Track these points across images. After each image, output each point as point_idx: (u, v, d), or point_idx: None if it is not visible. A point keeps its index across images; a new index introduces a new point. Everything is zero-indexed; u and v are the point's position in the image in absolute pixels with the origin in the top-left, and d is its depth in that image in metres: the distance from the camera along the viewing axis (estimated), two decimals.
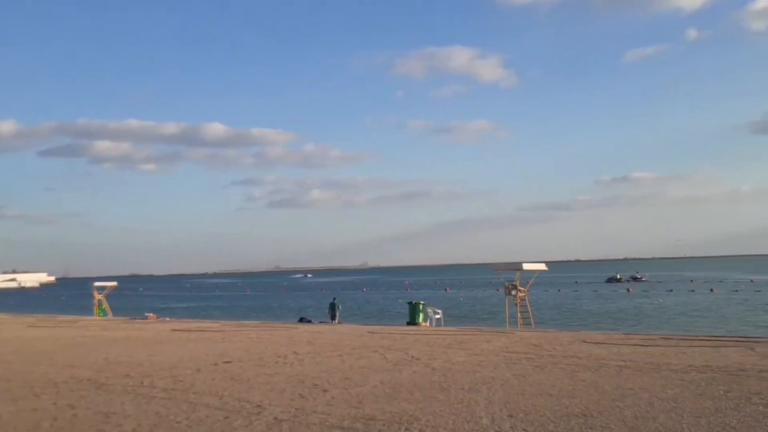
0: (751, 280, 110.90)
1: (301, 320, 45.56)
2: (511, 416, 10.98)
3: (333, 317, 44.02)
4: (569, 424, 10.31)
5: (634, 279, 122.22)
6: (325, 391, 13.82)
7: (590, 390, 13.37)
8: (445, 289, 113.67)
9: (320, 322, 43.56)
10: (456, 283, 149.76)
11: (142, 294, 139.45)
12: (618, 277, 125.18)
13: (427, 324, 38.63)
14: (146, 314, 51.29)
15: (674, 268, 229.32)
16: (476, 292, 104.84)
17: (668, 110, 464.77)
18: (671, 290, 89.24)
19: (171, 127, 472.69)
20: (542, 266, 38.68)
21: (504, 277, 39.98)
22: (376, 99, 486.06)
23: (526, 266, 36.87)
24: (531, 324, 35.66)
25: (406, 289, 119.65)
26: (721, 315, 52.60)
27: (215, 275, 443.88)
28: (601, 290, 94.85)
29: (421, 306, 40.23)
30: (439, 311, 41.73)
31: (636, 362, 17.31)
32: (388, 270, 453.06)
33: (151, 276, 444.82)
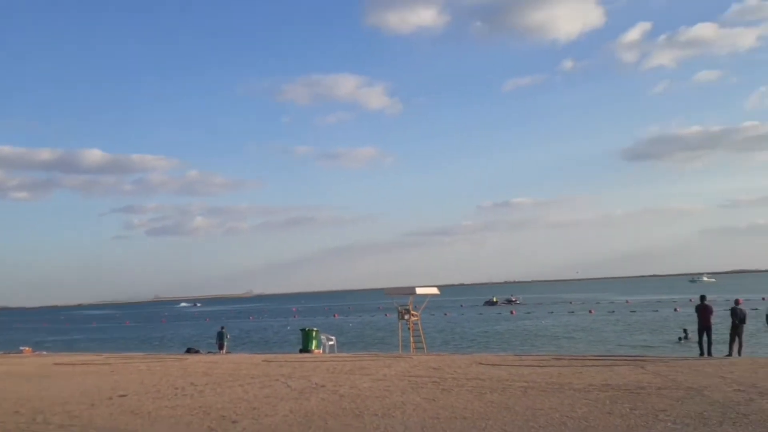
0: (627, 301, 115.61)
1: (189, 351, 44.21)
2: None
3: (221, 347, 42.92)
4: None
5: (509, 302, 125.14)
6: (234, 422, 13.42)
7: (502, 411, 13.53)
8: (334, 315, 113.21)
9: (208, 353, 42.50)
10: (344, 308, 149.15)
11: (15, 327, 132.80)
12: (494, 300, 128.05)
13: (320, 351, 38.29)
14: (21, 348, 48.75)
15: (554, 290, 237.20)
16: (365, 317, 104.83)
17: (546, 137, 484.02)
18: (552, 312, 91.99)
19: (45, 153, 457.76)
20: (434, 290, 39.06)
21: (397, 301, 40.18)
22: (262, 124, 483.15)
23: (419, 290, 37.13)
24: (423, 348, 35.92)
25: (294, 316, 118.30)
26: (600, 335, 54.50)
27: (91, 306, 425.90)
28: (486, 313, 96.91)
29: (314, 333, 39.85)
30: (333, 338, 41.38)
31: (538, 383, 17.68)
32: (274, 297, 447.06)
33: (23, 308, 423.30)
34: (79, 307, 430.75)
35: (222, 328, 45.43)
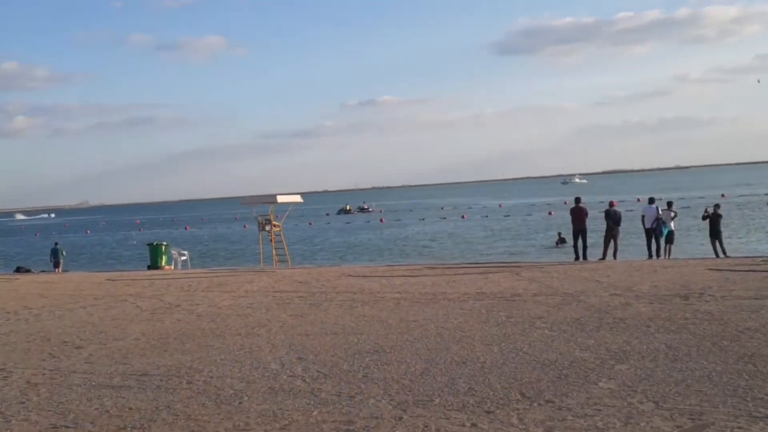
0: (500, 205, 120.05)
1: (19, 270, 42.75)
2: (300, 359, 11.14)
3: (56, 265, 41.76)
4: (364, 362, 10.68)
5: (362, 210, 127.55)
6: (78, 348, 13.17)
7: (375, 325, 13.95)
8: (185, 228, 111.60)
9: (42, 272, 41.19)
10: (196, 220, 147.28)
11: None
12: (347, 208, 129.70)
13: (171, 267, 37.94)
14: None
15: (424, 196, 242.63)
16: (220, 229, 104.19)
17: (412, 31, 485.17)
18: (423, 219, 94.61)
19: None
20: (297, 198, 39.29)
21: (256, 211, 40.10)
22: (89, 9, 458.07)
23: (280, 199, 37.22)
24: (288, 261, 36.24)
25: (139, 230, 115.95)
26: (473, 242, 56.69)
27: None
28: (353, 222, 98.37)
29: (163, 247, 39.32)
30: (185, 252, 41.11)
31: (411, 293, 18.32)
32: (114, 208, 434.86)
33: None
34: None
35: (56, 244, 44.05)
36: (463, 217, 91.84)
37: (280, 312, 16.42)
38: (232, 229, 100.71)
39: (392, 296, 17.89)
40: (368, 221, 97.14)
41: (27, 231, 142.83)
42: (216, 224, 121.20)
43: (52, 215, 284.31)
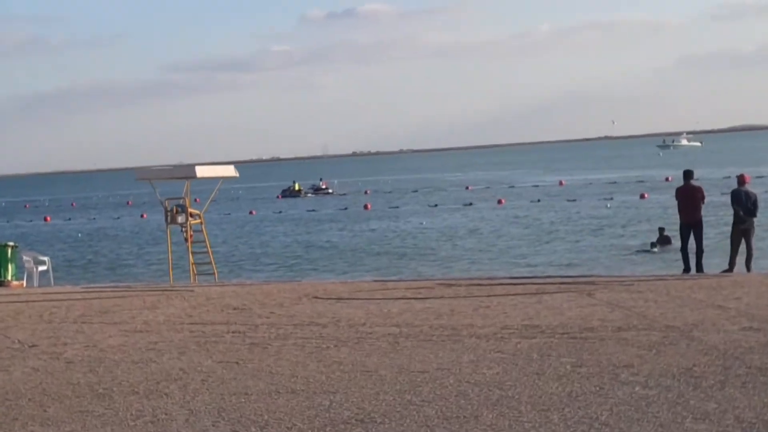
0: (560, 183, 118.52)
1: None
2: None
3: None
4: None
5: (317, 190, 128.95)
6: None
7: (358, 377, 13.87)
8: (44, 219, 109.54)
9: None
10: (62, 205, 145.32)
11: None
12: (296, 187, 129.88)
13: (23, 283, 37.80)
14: None
15: (436, 167, 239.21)
16: (102, 219, 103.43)
17: None
18: (436, 205, 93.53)
19: None
20: (229, 170, 39.08)
21: (161, 192, 39.88)
22: None
23: (201, 171, 36.97)
24: (213, 273, 36.10)
25: None
26: (517, 242, 55.79)
27: None
28: (321, 210, 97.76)
29: (8, 251, 39.05)
30: (45, 258, 40.86)
31: (416, 327, 18.18)
32: None
33: None
34: None
35: None
36: (500, 202, 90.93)
37: (202, 357, 16.30)
38: (121, 219, 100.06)
39: (385, 331, 17.73)
40: (344, 208, 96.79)
41: None
42: (96, 212, 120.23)
43: None
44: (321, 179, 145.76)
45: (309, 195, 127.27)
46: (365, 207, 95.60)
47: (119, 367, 15.80)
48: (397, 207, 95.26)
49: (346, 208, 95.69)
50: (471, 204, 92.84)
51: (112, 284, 37.53)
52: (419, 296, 23.07)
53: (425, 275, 36.62)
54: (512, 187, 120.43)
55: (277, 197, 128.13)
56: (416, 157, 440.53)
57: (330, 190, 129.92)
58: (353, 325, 18.84)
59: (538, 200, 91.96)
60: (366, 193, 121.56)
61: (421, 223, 74.08)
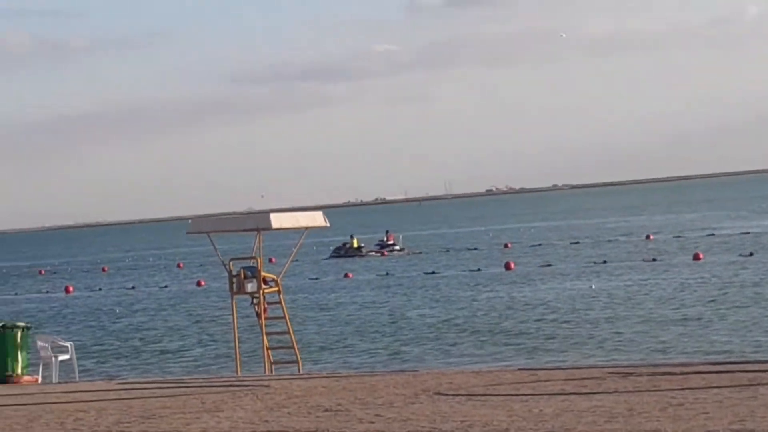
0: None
1: None
2: None
3: None
4: None
5: (383, 247, 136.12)
6: None
7: None
8: (66, 289, 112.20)
9: None
10: (90, 266, 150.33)
11: None
12: (354, 244, 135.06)
13: (36, 378, 37.63)
14: None
15: (587, 211, 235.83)
16: (142, 287, 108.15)
17: None
18: (604, 261, 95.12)
19: None
20: (317, 218, 38.71)
21: (225, 249, 39.71)
22: None
23: (277, 221, 36.58)
24: (296, 361, 35.67)
25: None
26: (715, 314, 55.48)
27: None
28: (408, 267, 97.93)
29: (18, 334, 38.90)
30: (67, 344, 40.70)
31: None
32: None
33: None
34: None
35: None
36: (696, 257, 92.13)
37: None
38: (169, 289, 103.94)
39: None
40: (476, 269, 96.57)
41: None
42: (135, 278, 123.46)
43: None
44: (387, 232, 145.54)
45: (373, 253, 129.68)
46: (507, 267, 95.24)
47: None
48: (550, 265, 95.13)
49: (479, 270, 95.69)
50: (654, 260, 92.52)
51: (157, 378, 37.13)
52: (584, 390, 21.84)
53: (591, 361, 35.76)
54: (711, 234, 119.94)
55: (330, 257, 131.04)
56: (574, 195, 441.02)
57: (397, 247, 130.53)
58: None
59: (750, 254, 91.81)
60: (506, 246, 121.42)
61: (591, 287, 73.48)
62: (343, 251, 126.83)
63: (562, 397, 21.45)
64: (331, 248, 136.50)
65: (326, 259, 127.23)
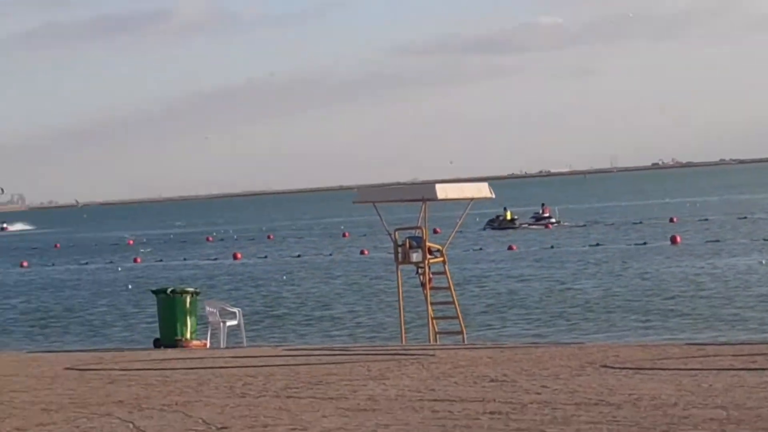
0: None
1: None
2: None
3: None
4: None
5: (538, 220, 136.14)
6: None
7: None
8: (234, 256, 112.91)
9: None
10: (255, 234, 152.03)
11: None
12: (508, 216, 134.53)
13: (205, 342, 38.11)
14: None
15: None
16: (307, 255, 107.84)
17: None
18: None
19: None
20: (482, 189, 38.69)
21: (390, 219, 39.81)
22: None
23: (442, 191, 36.60)
24: (461, 331, 35.75)
25: (135, 259, 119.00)
26: None
27: None
28: (571, 241, 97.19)
29: (187, 299, 39.32)
30: (235, 310, 41.14)
31: (753, 409, 16.60)
32: (94, 208, 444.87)
33: None
34: None
35: None
36: None
37: None
38: (334, 256, 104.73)
39: (706, 415, 16.18)
40: (642, 243, 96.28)
41: None
42: (300, 246, 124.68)
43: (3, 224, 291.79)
44: (543, 205, 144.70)
45: (527, 225, 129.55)
46: (672, 240, 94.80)
47: None
48: (718, 241, 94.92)
49: (644, 243, 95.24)
50: None
51: (323, 345, 37.37)
52: (754, 366, 21.27)
53: (761, 337, 35.34)
54: None
55: (484, 229, 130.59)
56: (742, 170, 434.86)
57: (553, 219, 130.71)
58: (659, 406, 17.11)
59: None
60: (672, 221, 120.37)
61: (761, 262, 72.78)
62: (497, 224, 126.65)
63: (732, 372, 20.79)
64: (484, 220, 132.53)
65: (481, 230, 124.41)
